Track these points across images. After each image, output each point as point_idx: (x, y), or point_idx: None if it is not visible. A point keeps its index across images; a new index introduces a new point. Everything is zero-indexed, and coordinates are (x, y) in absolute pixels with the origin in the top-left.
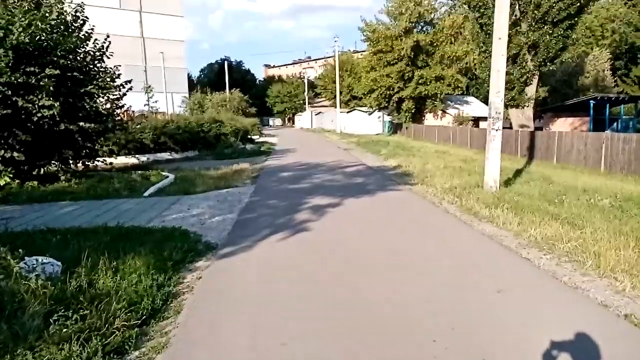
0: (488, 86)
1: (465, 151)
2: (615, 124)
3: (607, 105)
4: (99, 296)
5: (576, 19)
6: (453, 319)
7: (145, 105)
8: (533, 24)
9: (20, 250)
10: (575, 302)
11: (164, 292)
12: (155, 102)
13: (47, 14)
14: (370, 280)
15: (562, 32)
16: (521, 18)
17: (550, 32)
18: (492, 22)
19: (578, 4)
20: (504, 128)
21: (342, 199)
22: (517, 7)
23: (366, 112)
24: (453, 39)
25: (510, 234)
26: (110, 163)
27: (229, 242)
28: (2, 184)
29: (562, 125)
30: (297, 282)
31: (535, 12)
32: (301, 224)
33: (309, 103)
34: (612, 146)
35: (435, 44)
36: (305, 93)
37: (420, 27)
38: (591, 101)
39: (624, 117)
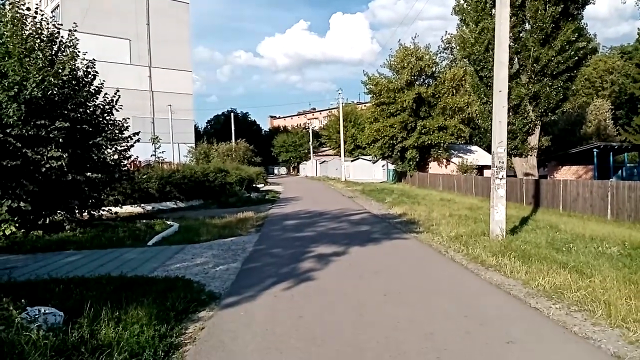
0: (491, 135)
1: (470, 199)
2: (620, 171)
3: (611, 153)
4: (101, 347)
5: (575, 71)
6: None
7: (152, 155)
8: (533, 76)
9: (23, 300)
10: (587, 353)
11: (166, 343)
12: (162, 152)
13: (60, 70)
14: (373, 332)
15: (561, 84)
16: (521, 71)
17: (550, 84)
18: (492, 75)
19: (576, 58)
20: (508, 176)
21: (347, 247)
22: (516, 60)
23: (370, 160)
24: (455, 91)
25: (518, 283)
26: (116, 212)
27: (233, 291)
28: (7, 233)
29: (567, 173)
30: (301, 335)
31: (535, 65)
32: (305, 273)
33: (313, 152)
34: (617, 194)
35: (437, 96)
36: (310, 143)
37: (422, 80)
38: (595, 150)
39: (628, 164)
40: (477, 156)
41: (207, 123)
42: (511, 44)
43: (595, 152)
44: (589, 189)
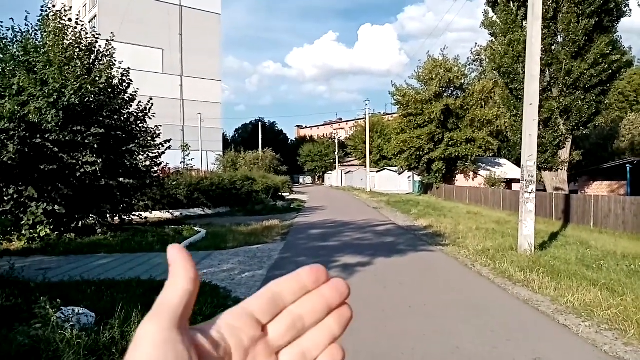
0: (520, 148)
1: (498, 213)
2: None
3: None
4: None
5: (608, 85)
6: None
7: (181, 162)
8: (564, 89)
9: (58, 300)
10: None
11: None
12: (191, 159)
13: (97, 78)
14: (399, 344)
15: (594, 97)
16: (552, 83)
17: (582, 97)
18: (522, 88)
19: (610, 71)
20: (537, 190)
21: (371, 258)
22: (547, 73)
23: (396, 171)
24: (483, 103)
25: (547, 299)
26: (145, 218)
27: None
28: (42, 235)
29: (599, 188)
30: None
31: (567, 78)
32: None
33: (339, 162)
34: None
35: (465, 108)
36: (336, 152)
37: (450, 92)
38: (628, 165)
39: None
40: (506, 169)
41: (235, 132)
42: (542, 56)
43: (628, 168)
44: (621, 205)
